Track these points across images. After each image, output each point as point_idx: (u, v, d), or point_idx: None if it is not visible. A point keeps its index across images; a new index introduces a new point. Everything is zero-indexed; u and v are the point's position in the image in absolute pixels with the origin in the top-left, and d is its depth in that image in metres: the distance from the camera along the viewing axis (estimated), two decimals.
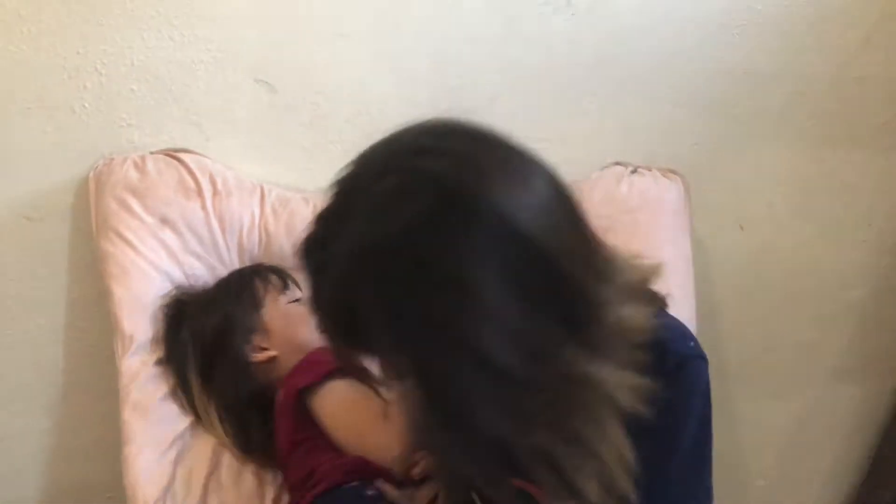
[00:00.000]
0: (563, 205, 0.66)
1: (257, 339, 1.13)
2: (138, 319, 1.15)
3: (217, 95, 1.25)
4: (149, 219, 1.18)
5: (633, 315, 0.69)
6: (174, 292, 1.17)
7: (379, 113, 1.30)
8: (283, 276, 1.18)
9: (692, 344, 0.77)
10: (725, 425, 1.53)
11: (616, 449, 0.66)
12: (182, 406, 1.14)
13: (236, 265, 1.24)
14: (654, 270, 0.75)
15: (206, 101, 1.24)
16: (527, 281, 0.59)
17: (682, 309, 1.24)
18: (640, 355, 0.68)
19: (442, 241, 0.59)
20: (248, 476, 1.11)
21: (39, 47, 1.16)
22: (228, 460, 1.12)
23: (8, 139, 1.19)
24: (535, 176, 0.65)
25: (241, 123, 1.27)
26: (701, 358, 0.77)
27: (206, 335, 1.12)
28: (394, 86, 1.29)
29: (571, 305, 0.62)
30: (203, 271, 1.21)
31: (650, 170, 1.32)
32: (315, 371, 1.06)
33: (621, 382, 0.65)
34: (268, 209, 1.24)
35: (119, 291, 1.15)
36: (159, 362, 1.15)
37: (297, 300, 1.16)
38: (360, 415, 1.03)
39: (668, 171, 1.33)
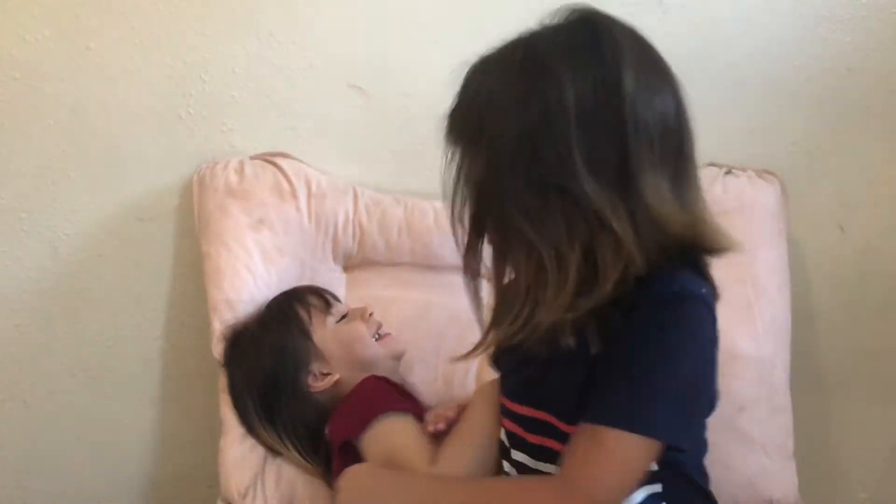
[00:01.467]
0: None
1: (316, 367, 1.10)
2: (228, 319, 1.18)
3: (312, 101, 1.28)
4: (246, 220, 1.22)
5: (672, 222, 0.72)
6: (226, 333, 1.16)
7: None
8: (323, 296, 1.16)
9: (704, 290, 0.77)
10: (823, 433, 1.47)
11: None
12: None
13: (331, 262, 1.27)
14: (731, 243, 0.78)
15: (302, 107, 1.28)
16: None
17: (778, 313, 1.20)
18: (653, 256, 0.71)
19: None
20: None
21: (150, 58, 1.22)
22: None
23: (121, 144, 1.26)
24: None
25: (334, 128, 1.30)
26: (704, 303, 0.76)
27: (259, 379, 1.11)
28: None
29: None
30: (297, 270, 1.24)
31: (745, 171, 1.28)
32: (359, 416, 1.01)
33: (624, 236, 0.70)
34: (361, 207, 1.27)
35: (213, 292, 1.20)
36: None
37: (344, 317, 1.14)
38: (410, 458, 0.96)
39: (765, 172, 1.29)
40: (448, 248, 1.26)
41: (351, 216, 1.26)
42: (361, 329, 1.12)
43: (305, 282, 1.22)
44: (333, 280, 1.26)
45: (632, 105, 0.71)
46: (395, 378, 1.14)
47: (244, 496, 1.10)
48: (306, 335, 1.11)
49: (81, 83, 1.22)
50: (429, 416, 1.04)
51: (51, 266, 1.31)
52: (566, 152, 0.70)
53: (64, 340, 1.34)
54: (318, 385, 1.10)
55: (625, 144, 0.71)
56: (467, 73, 0.81)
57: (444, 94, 1.29)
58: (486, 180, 0.75)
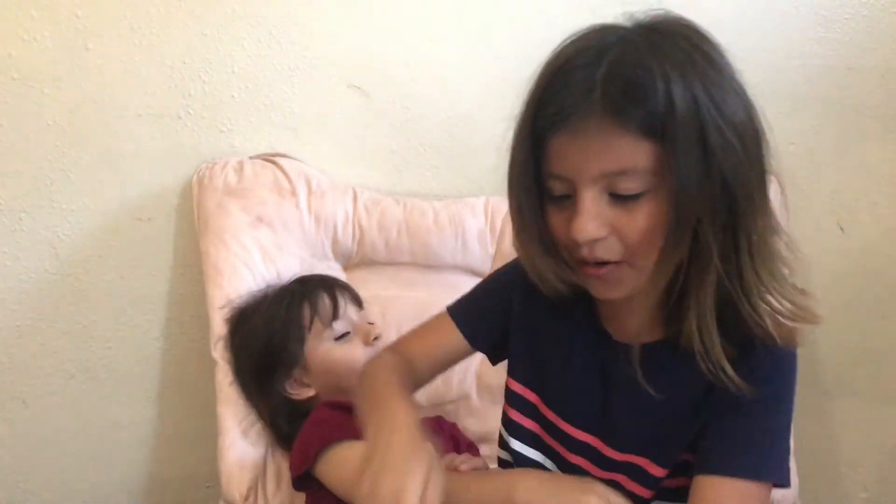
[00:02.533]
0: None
1: (298, 374, 1.10)
2: (224, 318, 1.18)
3: (312, 101, 1.28)
4: (245, 219, 1.22)
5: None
6: (236, 301, 1.17)
7: (468, 116, 1.31)
8: (337, 301, 1.11)
9: None
10: (823, 433, 1.47)
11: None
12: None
13: (331, 259, 1.28)
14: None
15: (301, 107, 1.28)
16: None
17: None
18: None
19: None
20: None
21: (149, 58, 1.22)
22: None
23: (121, 145, 1.26)
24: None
25: (334, 128, 1.30)
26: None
27: (253, 356, 1.12)
28: (483, 88, 1.30)
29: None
30: (296, 267, 1.24)
31: None
32: (306, 451, 1.00)
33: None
34: (360, 207, 1.27)
35: (212, 290, 1.20)
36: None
37: (344, 335, 1.11)
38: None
39: None
40: (447, 247, 1.27)
41: (350, 216, 1.26)
42: (356, 354, 1.09)
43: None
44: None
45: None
46: None
47: (246, 498, 1.10)
48: (300, 341, 1.10)
49: (80, 83, 1.22)
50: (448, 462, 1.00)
51: (50, 266, 1.31)
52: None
53: (63, 340, 1.34)
54: (293, 392, 1.11)
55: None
56: (628, 50, 0.71)
57: (443, 93, 1.31)
58: (695, 174, 0.70)
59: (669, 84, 0.68)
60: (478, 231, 1.27)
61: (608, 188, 0.71)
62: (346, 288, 1.16)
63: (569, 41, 0.76)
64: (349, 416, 1.01)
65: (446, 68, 1.29)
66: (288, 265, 1.23)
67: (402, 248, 1.27)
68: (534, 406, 0.90)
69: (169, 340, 1.37)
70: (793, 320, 0.75)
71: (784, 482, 0.77)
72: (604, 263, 0.74)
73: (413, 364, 0.91)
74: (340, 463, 0.97)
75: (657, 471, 0.81)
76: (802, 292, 0.77)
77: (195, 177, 1.26)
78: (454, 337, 0.93)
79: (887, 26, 1.30)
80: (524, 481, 0.81)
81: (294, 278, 1.18)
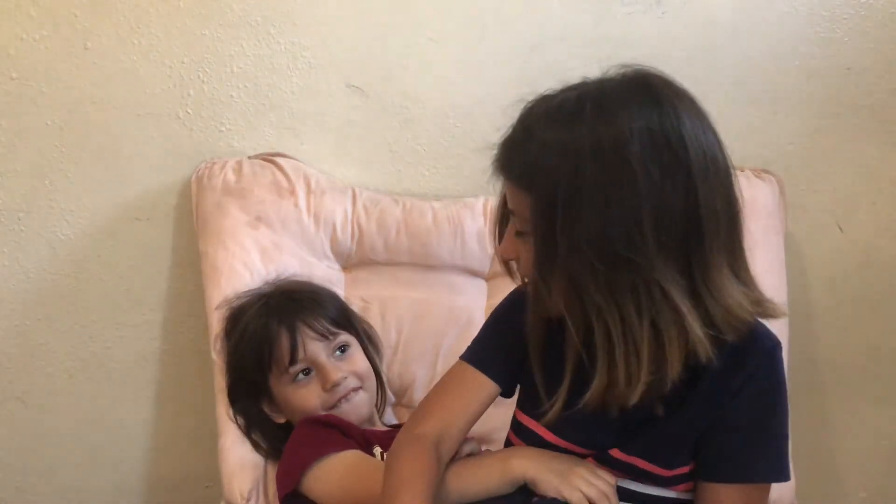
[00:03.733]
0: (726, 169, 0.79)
1: (266, 403, 1.11)
2: (219, 319, 1.17)
3: (311, 101, 1.28)
4: (244, 218, 1.22)
5: (739, 301, 0.77)
6: (232, 302, 1.17)
7: (466, 116, 1.31)
8: (295, 343, 1.07)
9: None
10: (822, 433, 1.47)
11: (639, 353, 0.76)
12: None
13: (331, 259, 1.27)
14: (769, 305, 0.82)
15: (300, 107, 1.28)
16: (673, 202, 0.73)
17: None
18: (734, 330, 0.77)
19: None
20: None
21: (148, 57, 1.22)
22: None
23: (120, 144, 1.26)
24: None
25: (333, 127, 1.30)
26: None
27: (230, 373, 1.13)
28: (481, 88, 1.30)
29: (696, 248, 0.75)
30: (295, 267, 1.24)
31: (742, 170, 1.28)
32: (290, 470, 1.01)
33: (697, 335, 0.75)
34: (359, 207, 1.27)
35: (210, 290, 1.20)
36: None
37: (306, 371, 1.08)
38: (364, 487, 0.95)
39: (762, 171, 1.29)
40: (446, 247, 1.27)
41: (349, 216, 1.26)
42: (311, 402, 1.07)
43: (305, 279, 1.21)
44: (332, 278, 1.26)
45: (701, 176, 0.75)
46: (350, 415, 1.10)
47: (248, 499, 1.10)
48: (265, 378, 1.10)
49: (79, 83, 1.22)
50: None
51: (49, 266, 1.30)
52: (636, 218, 0.72)
53: (62, 341, 1.34)
54: (270, 414, 1.12)
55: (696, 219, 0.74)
56: (530, 114, 0.81)
57: (442, 93, 1.31)
58: (553, 232, 0.75)
59: (549, 140, 0.75)
60: (476, 231, 1.27)
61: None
62: (318, 314, 1.11)
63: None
64: (329, 430, 1.03)
65: (445, 68, 1.29)
66: (287, 265, 1.23)
67: (401, 248, 1.27)
68: (540, 437, 0.91)
69: (168, 340, 1.37)
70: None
71: (784, 478, 0.84)
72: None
73: (441, 441, 0.89)
74: (325, 477, 0.98)
75: (663, 472, 0.86)
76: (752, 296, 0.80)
77: (194, 176, 1.26)
78: (482, 384, 0.92)
79: (885, 26, 1.30)
80: (518, 455, 0.90)
81: (272, 295, 1.14)
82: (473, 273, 1.29)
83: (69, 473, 1.42)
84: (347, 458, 1.00)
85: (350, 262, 1.29)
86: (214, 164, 1.25)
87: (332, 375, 1.07)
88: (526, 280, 0.84)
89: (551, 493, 0.84)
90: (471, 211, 1.28)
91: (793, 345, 1.23)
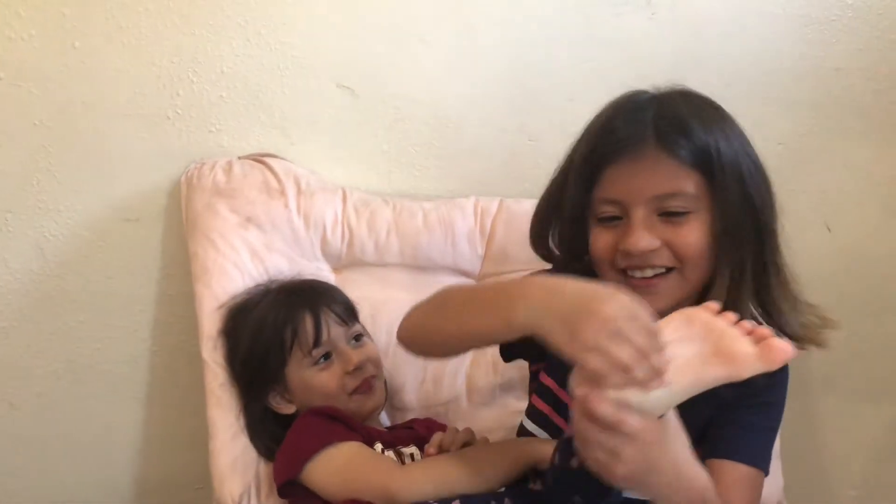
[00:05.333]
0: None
1: (279, 390, 1.11)
2: (218, 318, 1.18)
3: (301, 101, 1.28)
4: (234, 219, 1.22)
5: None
6: (234, 298, 1.17)
7: (457, 116, 1.31)
8: (319, 327, 1.09)
9: None
10: (811, 432, 1.48)
11: None
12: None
13: (321, 260, 1.27)
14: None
15: (290, 107, 1.28)
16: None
17: None
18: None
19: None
20: None
21: (138, 57, 1.22)
22: None
23: (108, 144, 1.25)
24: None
25: (323, 128, 1.30)
26: None
27: (237, 363, 1.13)
28: (472, 88, 1.30)
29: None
30: (285, 268, 1.23)
31: None
32: (292, 458, 1.01)
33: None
34: (350, 208, 1.27)
35: (201, 290, 1.19)
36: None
37: (327, 356, 1.09)
38: (366, 478, 0.96)
39: None
40: (437, 249, 1.27)
41: (339, 216, 1.26)
42: (332, 385, 1.08)
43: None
44: (323, 279, 1.25)
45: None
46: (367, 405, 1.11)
47: (239, 501, 1.10)
48: (281, 363, 1.09)
49: (68, 83, 1.22)
50: (435, 439, 1.02)
51: (37, 267, 1.30)
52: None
53: (50, 342, 1.33)
54: (277, 406, 1.12)
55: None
56: (674, 106, 0.87)
57: (433, 93, 1.31)
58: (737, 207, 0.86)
59: (710, 127, 0.84)
60: (467, 232, 1.27)
61: (658, 209, 0.83)
62: (335, 301, 1.14)
63: (609, 102, 0.89)
64: (333, 422, 1.03)
65: (436, 68, 1.29)
66: (277, 266, 1.22)
67: (391, 250, 1.26)
68: (552, 392, 0.94)
69: (157, 341, 1.36)
70: (806, 334, 0.90)
71: (765, 469, 0.90)
72: (652, 277, 0.85)
73: None
74: (327, 467, 0.98)
75: None
76: (812, 308, 0.92)
77: (183, 177, 1.25)
78: None
79: (874, 28, 1.31)
80: (526, 296, 0.74)
81: (285, 285, 1.16)
82: (464, 274, 1.29)
83: (58, 475, 1.41)
84: (352, 449, 1.00)
85: (340, 263, 1.28)
86: (204, 164, 1.25)
87: (355, 358, 1.09)
88: (673, 262, 0.85)
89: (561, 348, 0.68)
90: (461, 211, 1.28)
91: None
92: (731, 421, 0.88)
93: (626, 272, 0.86)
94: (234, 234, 1.21)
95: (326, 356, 1.09)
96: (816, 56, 1.31)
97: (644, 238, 0.83)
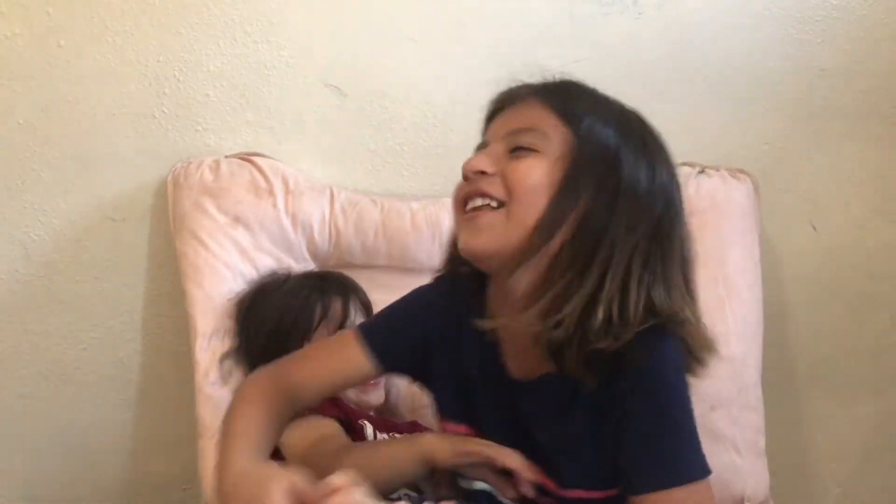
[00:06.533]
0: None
1: None
2: (211, 317, 1.18)
3: (288, 100, 1.28)
4: (222, 218, 1.22)
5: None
6: (256, 282, 1.19)
7: (445, 116, 1.31)
8: (348, 310, 1.14)
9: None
10: (797, 429, 1.49)
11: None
12: None
13: (308, 261, 1.27)
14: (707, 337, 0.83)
15: (278, 106, 1.28)
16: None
17: (749, 311, 1.22)
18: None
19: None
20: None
21: (123, 56, 1.21)
22: None
23: (94, 143, 1.25)
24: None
25: (311, 127, 1.30)
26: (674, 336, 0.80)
27: (258, 337, 1.13)
28: (460, 88, 1.30)
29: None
30: (274, 268, 1.23)
31: (718, 170, 1.30)
32: None
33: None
34: (337, 209, 1.27)
35: (193, 290, 1.19)
36: (226, 355, 1.18)
37: None
38: (322, 458, 0.95)
39: (738, 171, 1.31)
40: (424, 250, 1.27)
41: (327, 217, 1.26)
42: None
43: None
44: None
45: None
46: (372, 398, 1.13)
47: None
48: (305, 339, 1.11)
49: (52, 82, 1.21)
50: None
51: (22, 268, 1.29)
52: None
53: (36, 343, 1.33)
54: None
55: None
56: (579, 86, 0.86)
57: (421, 93, 1.31)
58: (592, 170, 0.79)
59: (595, 109, 0.82)
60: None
61: (511, 144, 0.81)
62: (359, 292, 1.18)
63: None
64: (330, 399, 1.04)
65: (423, 67, 1.29)
66: (266, 266, 1.22)
67: (379, 251, 1.26)
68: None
69: (144, 342, 1.36)
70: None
71: (703, 474, 0.77)
72: (480, 207, 0.80)
73: (296, 391, 0.88)
74: (299, 437, 0.98)
75: (599, 495, 0.82)
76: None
77: (170, 176, 1.25)
78: (359, 358, 0.90)
79: (859, 28, 1.32)
80: (428, 435, 0.91)
81: (313, 272, 1.21)
82: None
83: (44, 476, 1.40)
84: (325, 429, 1.01)
85: (328, 264, 1.28)
86: (191, 163, 1.25)
87: None
88: (502, 195, 0.79)
89: (446, 457, 0.86)
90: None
91: (767, 342, 1.25)
92: (631, 449, 0.77)
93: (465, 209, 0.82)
94: (223, 233, 1.21)
95: None
96: (802, 56, 1.32)
97: (480, 160, 0.81)
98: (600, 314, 0.74)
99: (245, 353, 1.16)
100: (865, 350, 1.47)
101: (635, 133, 0.82)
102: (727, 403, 1.15)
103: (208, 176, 1.23)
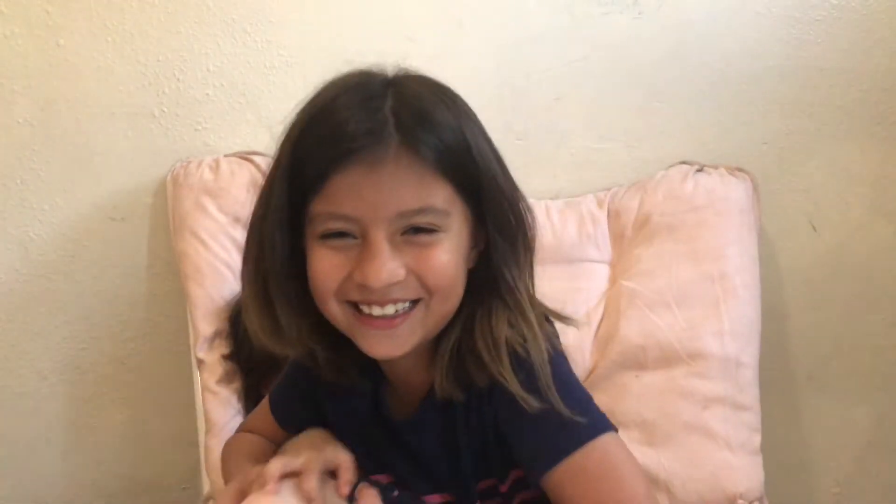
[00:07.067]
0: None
1: None
2: (212, 316, 1.18)
3: (288, 99, 1.26)
4: (222, 218, 1.22)
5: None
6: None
7: None
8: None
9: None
10: (794, 429, 1.49)
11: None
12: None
13: None
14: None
15: (277, 105, 1.28)
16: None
17: (746, 310, 1.21)
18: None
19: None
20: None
21: (123, 55, 1.21)
22: None
23: (93, 143, 1.25)
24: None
25: None
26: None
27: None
28: (459, 86, 1.29)
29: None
30: None
31: (716, 168, 1.30)
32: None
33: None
34: None
35: (193, 289, 1.19)
36: (226, 357, 1.18)
37: None
38: None
39: (736, 170, 1.30)
40: None
41: None
42: None
43: None
44: None
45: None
46: None
47: None
48: None
49: (52, 81, 1.21)
50: None
51: (21, 267, 1.29)
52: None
53: (35, 342, 1.33)
54: None
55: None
56: (414, 98, 0.72)
57: None
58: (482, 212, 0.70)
59: (458, 119, 0.69)
60: None
61: (403, 227, 0.66)
62: None
63: (328, 83, 0.73)
64: None
65: (423, 67, 1.28)
66: None
67: None
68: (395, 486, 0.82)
69: (143, 341, 1.36)
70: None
71: (604, 428, 0.69)
72: (394, 316, 0.68)
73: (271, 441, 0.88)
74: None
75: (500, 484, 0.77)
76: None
77: (169, 175, 1.25)
78: (274, 425, 0.87)
79: (858, 28, 1.32)
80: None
81: None
82: None
83: (42, 476, 1.40)
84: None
85: None
86: (190, 162, 1.25)
87: None
88: (419, 294, 0.68)
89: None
90: None
91: (765, 341, 1.24)
92: (520, 436, 0.71)
93: (358, 306, 0.68)
94: (224, 233, 1.21)
95: None
96: (801, 56, 1.32)
97: (386, 268, 0.64)
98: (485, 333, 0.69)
99: (240, 356, 1.16)
100: (864, 350, 1.46)
101: (477, 125, 0.72)
102: (720, 402, 1.15)
103: (208, 175, 1.23)
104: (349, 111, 0.67)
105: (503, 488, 0.78)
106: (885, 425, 1.53)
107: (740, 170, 1.30)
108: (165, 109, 1.25)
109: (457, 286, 0.69)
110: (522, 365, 0.69)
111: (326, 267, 0.67)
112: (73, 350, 1.34)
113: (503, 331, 0.69)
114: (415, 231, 0.66)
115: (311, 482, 0.71)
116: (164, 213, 1.26)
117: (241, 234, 1.22)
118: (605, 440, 0.68)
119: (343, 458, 0.74)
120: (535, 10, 1.28)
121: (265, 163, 1.25)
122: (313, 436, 0.81)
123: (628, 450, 0.70)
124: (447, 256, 0.67)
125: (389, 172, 0.64)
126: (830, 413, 1.48)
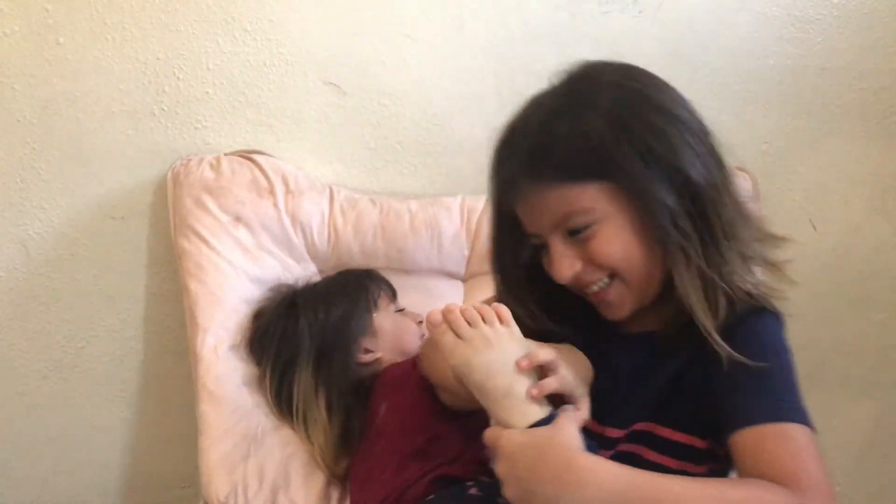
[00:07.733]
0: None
1: (365, 342, 1.15)
2: (214, 314, 1.18)
3: (288, 98, 1.28)
4: (223, 217, 1.22)
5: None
6: (283, 287, 1.20)
7: (444, 114, 1.31)
8: (391, 286, 1.21)
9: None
10: None
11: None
12: (266, 400, 1.15)
13: (308, 261, 1.27)
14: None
15: (277, 104, 1.28)
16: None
17: None
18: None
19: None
20: (318, 475, 1.11)
21: (123, 53, 1.21)
22: (299, 458, 1.12)
23: (93, 141, 1.25)
24: None
25: (310, 125, 1.30)
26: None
27: (327, 330, 1.14)
28: (460, 86, 1.30)
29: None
30: (276, 267, 1.24)
31: None
32: (408, 370, 1.08)
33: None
34: (336, 209, 1.27)
35: (195, 287, 1.19)
36: (251, 348, 1.18)
37: (401, 310, 1.20)
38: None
39: (736, 169, 1.30)
40: (423, 251, 1.27)
41: (326, 218, 1.26)
42: (414, 327, 1.19)
43: (285, 279, 1.23)
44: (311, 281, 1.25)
45: None
46: None
47: (227, 498, 1.09)
48: (370, 310, 1.16)
49: (52, 79, 1.21)
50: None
51: (21, 266, 1.29)
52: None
53: (35, 341, 1.33)
54: (363, 358, 1.15)
55: None
56: (534, 117, 0.84)
57: (421, 91, 1.31)
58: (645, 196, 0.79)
59: (578, 122, 0.78)
60: (453, 233, 1.27)
61: (564, 229, 0.80)
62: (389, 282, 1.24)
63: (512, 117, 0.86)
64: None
65: (423, 66, 1.29)
66: (268, 265, 1.23)
67: (377, 253, 1.26)
68: None
69: (143, 340, 1.36)
70: (761, 293, 0.86)
71: (806, 421, 0.78)
72: (598, 291, 0.82)
73: None
74: (431, 353, 1.00)
75: (667, 433, 0.85)
76: (774, 267, 0.90)
77: (170, 174, 1.25)
78: None
79: (859, 27, 1.32)
80: None
81: (336, 272, 1.24)
82: (450, 275, 1.29)
83: (43, 475, 1.40)
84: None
85: (327, 265, 1.28)
86: (190, 160, 1.25)
87: (420, 316, 1.20)
88: (607, 274, 0.81)
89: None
90: (448, 212, 1.28)
91: None
92: (732, 390, 0.79)
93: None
94: (225, 232, 1.21)
95: (400, 310, 1.21)
96: (801, 55, 1.32)
97: (563, 268, 0.81)
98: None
99: (292, 353, 1.15)
100: (865, 349, 1.47)
101: (635, 104, 0.83)
102: None
103: (209, 173, 1.23)
104: (495, 163, 0.86)
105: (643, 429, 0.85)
106: (885, 425, 1.53)
107: (740, 169, 1.30)
108: (165, 108, 1.25)
109: (633, 258, 0.79)
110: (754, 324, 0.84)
111: (548, 269, 0.83)
112: (73, 349, 1.34)
113: (725, 283, 0.80)
114: (576, 231, 0.79)
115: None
116: (164, 211, 1.25)
117: (242, 234, 1.22)
118: (810, 432, 0.78)
119: (581, 393, 0.81)
120: (535, 9, 1.28)
121: (265, 162, 1.26)
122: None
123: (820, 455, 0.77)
124: (608, 242, 0.79)
125: (532, 201, 0.81)
126: (831, 412, 1.48)
